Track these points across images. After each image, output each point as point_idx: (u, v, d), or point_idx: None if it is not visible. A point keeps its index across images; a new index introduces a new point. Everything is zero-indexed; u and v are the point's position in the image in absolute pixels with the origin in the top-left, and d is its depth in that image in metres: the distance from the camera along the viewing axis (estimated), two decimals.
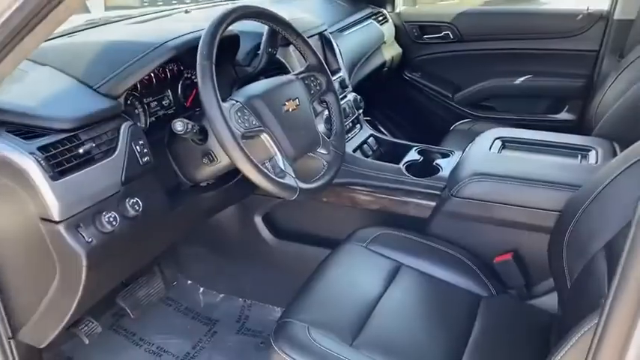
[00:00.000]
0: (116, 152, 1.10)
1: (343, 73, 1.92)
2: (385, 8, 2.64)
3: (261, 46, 1.54)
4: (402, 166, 1.69)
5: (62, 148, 1.02)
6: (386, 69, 2.51)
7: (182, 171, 1.34)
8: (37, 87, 1.14)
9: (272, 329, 1.19)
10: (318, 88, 1.43)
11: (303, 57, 1.43)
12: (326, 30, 1.93)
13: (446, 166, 1.67)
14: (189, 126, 1.17)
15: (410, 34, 2.66)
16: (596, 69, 2.34)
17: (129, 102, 1.27)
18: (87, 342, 1.48)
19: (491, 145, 1.66)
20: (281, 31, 1.37)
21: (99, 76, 1.17)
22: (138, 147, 1.14)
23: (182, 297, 1.98)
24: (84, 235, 1.02)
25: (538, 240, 1.34)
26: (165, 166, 1.30)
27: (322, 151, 1.39)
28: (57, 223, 0.99)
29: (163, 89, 1.40)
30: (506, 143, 1.69)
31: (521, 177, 1.44)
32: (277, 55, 1.61)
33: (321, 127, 1.49)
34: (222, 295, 1.99)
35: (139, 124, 1.26)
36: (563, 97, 2.48)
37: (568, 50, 2.39)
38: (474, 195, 1.46)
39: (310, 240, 1.78)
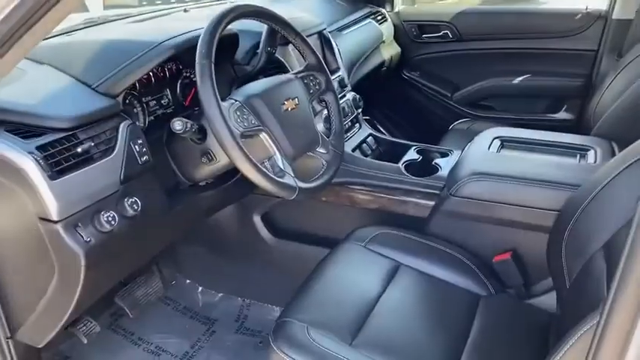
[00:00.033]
0: (115, 151, 1.10)
1: (342, 73, 1.92)
2: (384, 7, 2.64)
3: (260, 45, 1.53)
4: (401, 165, 1.69)
5: (60, 148, 1.01)
6: (385, 68, 2.51)
7: (181, 170, 1.33)
8: (36, 86, 1.14)
9: (271, 329, 1.19)
10: (317, 87, 1.43)
11: (302, 56, 1.43)
12: (325, 29, 1.93)
13: (445, 165, 1.67)
14: (188, 125, 1.16)
15: (409, 33, 2.66)
16: (594, 68, 2.35)
17: (127, 101, 1.27)
18: (85, 341, 1.48)
19: (490, 145, 1.66)
20: (280, 30, 1.37)
21: (97, 75, 1.17)
22: (137, 146, 1.14)
23: (181, 296, 1.98)
24: (82, 234, 1.02)
25: (537, 239, 1.35)
26: (163, 166, 1.30)
27: (321, 150, 1.39)
28: (55, 222, 0.99)
29: (162, 88, 1.39)
30: (505, 143, 1.69)
31: (519, 176, 1.44)
32: (276, 55, 1.60)
33: (320, 127, 1.49)
34: (220, 295, 1.99)
35: (137, 123, 1.26)
36: (562, 97, 2.48)
37: (567, 50, 2.39)
38: (473, 194, 1.46)
39: (309, 239, 1.78)
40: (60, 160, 1.00)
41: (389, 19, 2.60)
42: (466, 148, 1.69)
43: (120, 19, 1.68)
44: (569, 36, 2.37)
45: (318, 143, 1.38)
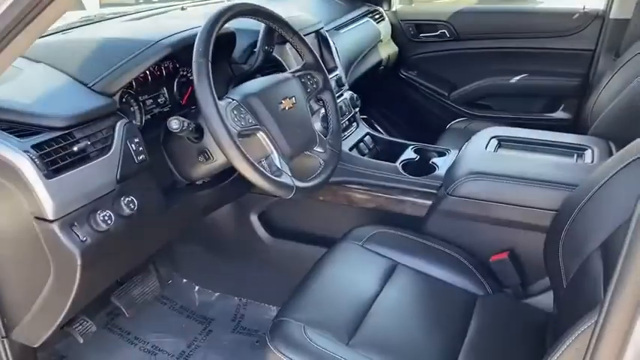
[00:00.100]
0: (111, 150, 1.10)
1: (340, 72, 1.91)
2: (381, 6, 2.64)
3: (258, 44, 1.53)
4: (398, 164, 1.69)
5: (57, 146, 1.01)
6: (382, 67, 2.51)
7: (178, 169, 1.33)
8: (32, 84, 1.13)
9: (268, 328, 1.18)
10: (314, 86, 1.43)
11: (300, 55, 1.43)
12: (322, 28, 1.92)
13: (442, 164, 1.67)
14: (185, 124, 1.16)
15: (406, 32, 2.66)
16: (591, 68, 2.35)
17: (124, 100, 1.27)
18: (81, 341, 1.47)
19: (487, 144, 1.66)
20: (277, 29, 1.37)
21: (94, 73, 1.16)
22: (133, 145, 1.14)
23: (177, 295, 1.97)
24: (78, 234, 1.02)
25: (534, 239, 1.35)
26: (160, 165, 1.30)
27: (319, 149, 1.39)
28: (51, 222, 0.98)
29: (159, 87, 1.39)
30: (502, 142, 1.69)
31: (517, 176, 1.44)
32: (274, 53, 1.60)
33: (317, 126, 1.49)
34: (217, 294, 1.99)
35: (134, 122, 1.25)
36: (559, 96, 2.49)
37: (564, 49, 2.39)
38: (470, 194, 1.46)
39: (306, 239, 1.78)
40: (56, 159, 1.00)
41: (386, 18, 2.60)
42: (463, 148, 1.69)
43: (116, 17, 1.67)
44: (566, 35, 2.37)
45: (316, 142, 1.38)
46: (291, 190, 1.19)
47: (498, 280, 1.42)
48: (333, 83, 1.72)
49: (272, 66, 1.61)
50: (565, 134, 1.71)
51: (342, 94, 1.87)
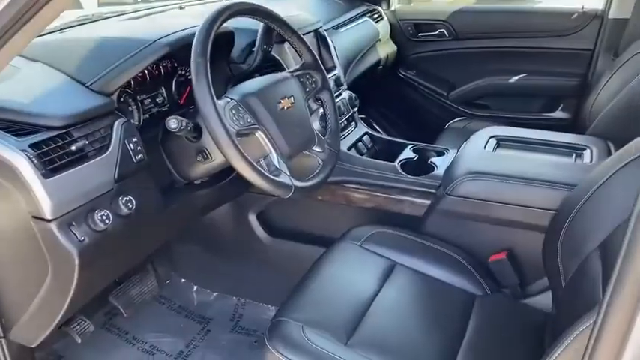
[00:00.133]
0: (109, 150, 1.09)
1: (338, 71, 1.91)
2: (380, 6, 2.64)
3: (256, 44, 1.53)
4: (397, 164, 1.69)
5: (54, 146, 1.01)
6: (381, 67, 2.51)
7: (176, 169, 1.33)
8: (29, 83, 1.13)
9: (266, 328, 1.18)
10: (313, 85, 1.43)
11: (299, 54, 1.43)
12: (321, 27, 1.92)
13: (441, 164, 1.67)
14: (184, 123, 1.16)
15: (405, 32, 2.66)
16: (590, 68, 2.35)
17: (122, 99, 1.26)
18: (79, 341, 1.47)
19: (486, 144, 1.66)
20: (276, 29, 1.36)
21: (92, 72, 1.16)
22: (131, 144, 1.14)
23: (175, 295, 1.97)
24: (76, 233, 1.01)
25: (532, 239, 1.35)
26: (158, 164, 1.29)
27: (317, 149, 1.39)
28: (49, 221, 0.98)
29: (157, 86, 1.39)
30: (501, 142, 1.69)
31: (515, 176, 1.44)
32: (272, 53, 1.60)
33: (316, 125, 1.48)
34: (215, 294, 1.98)
35: (132, 121, 1.25)
36: (558, 96, 2.49)
37: (563, 49, 2.39)
38: (469, 193, 1.46)
39: (305, 238, 1.78)
40: (54, 158, 1.00)
41: (385, 18, 2.60)
42: (462, 147, 1.69)
43: (114, 16, 1.67)
44: (565, 35, 2.37)
45: (314, 142, 1.38)
46: (289, 189, 1.19)
47: (497, 280, 1.42)
48: (331, 83, 1.72)
49: (270, 65, 1.61)
50: (564, 134, 1.71)
51: (340, 94, 1.87)
